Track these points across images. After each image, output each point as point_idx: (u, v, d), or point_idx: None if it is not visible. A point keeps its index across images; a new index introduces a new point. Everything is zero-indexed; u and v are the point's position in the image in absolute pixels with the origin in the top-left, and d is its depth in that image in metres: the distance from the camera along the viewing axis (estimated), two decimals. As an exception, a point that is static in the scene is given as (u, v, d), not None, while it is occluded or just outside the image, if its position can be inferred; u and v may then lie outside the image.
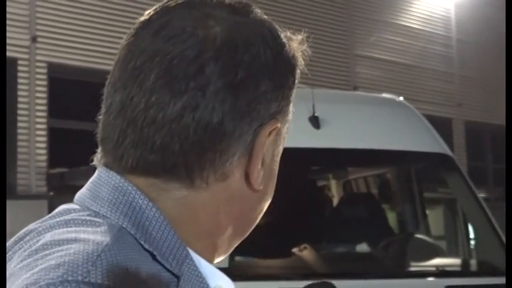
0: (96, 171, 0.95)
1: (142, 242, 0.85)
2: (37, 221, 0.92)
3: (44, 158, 9.40)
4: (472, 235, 4.68)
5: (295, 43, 0.99)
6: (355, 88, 12.44)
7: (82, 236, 0.82)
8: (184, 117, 0.88)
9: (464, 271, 4.48)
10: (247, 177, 0.93)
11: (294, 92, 0.99)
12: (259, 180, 0.94)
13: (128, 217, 0.87)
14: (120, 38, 0.96)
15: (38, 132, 9.33)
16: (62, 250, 0.80)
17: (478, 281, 3.88)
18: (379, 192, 5.76)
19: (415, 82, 13.52)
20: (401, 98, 5.01)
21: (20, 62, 9.31)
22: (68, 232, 0.84)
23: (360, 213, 4.69)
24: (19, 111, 9.26)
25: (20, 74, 9.31)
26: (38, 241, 0.84)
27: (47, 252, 0.80)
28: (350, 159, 4.73)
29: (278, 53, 0.95)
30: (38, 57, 9.42)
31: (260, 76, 0.92)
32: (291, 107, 0.99)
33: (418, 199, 5.36)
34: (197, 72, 0.89)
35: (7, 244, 0.92)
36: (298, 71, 0.99)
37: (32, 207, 10.39)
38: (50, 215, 0.92)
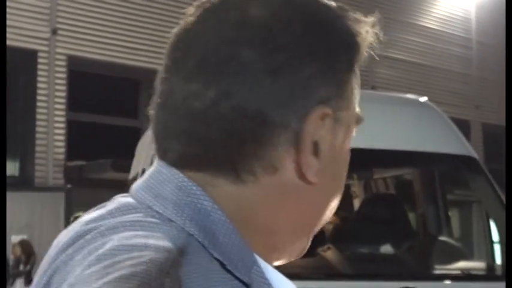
0: (155, 166, 0.89)
1: (211, 251, 0.81)
2: (94, 216, 0.86)
3: (62, 150, 9.42)
4: (497, 238, 4.63)
5: (359, 21, 0.93)
6: (373, 88, 12.39)
7: (151, 242, 0.77)
8: (220, 105, 0.83)
9: (489, 275, 4.44)
10: (300, 169, 0.86)
11: (356, 75, 0.93)
12: (311, 171, 0.86)
13: (194, 222, 0.82)
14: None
15: (57, 125, 9.35)
16: (133, 258, 0.75)
17: (503, 285, 3.84)
18: (403, 194, 5.72)
19: (433, 83, 13.46)
20: (425, 99, 4.97)
21: (40, 54, 9.33)
22: (137, 237, 0.79)
23: (384, 214, 4.65)
24: (38, 104, 9.28)
25: (39, 67, 9.33)
26: (103, 244, 0.79)
27: (117, 259, 0.75)
28: (374, 160, 4.69)
29: (326, 32, 0.88)
30: (58, 50, 9.44)
31: (302, 59, 0.85)
32: (355, 94, 0.92)
33: (443, 201, 5.32)
34: (231, 57, 0.83)
35: (61, 239, 0.86)
36: (360, 52, 0.93)
37: (49, 199, 10.41)
38: (108, 210, 0.86)
